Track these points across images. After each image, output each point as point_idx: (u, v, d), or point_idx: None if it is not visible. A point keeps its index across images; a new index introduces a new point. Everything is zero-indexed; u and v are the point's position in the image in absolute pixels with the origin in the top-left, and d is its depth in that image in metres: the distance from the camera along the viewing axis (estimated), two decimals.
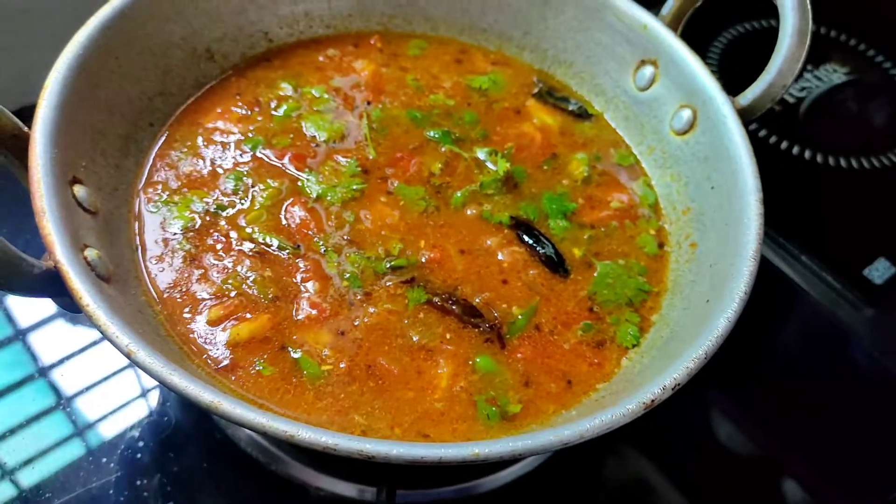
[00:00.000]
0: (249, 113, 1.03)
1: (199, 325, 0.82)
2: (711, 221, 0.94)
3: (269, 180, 0.95)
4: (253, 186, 0.94)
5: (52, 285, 0.69)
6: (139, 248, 0.87)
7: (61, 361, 0.99)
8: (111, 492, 0.88)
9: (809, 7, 0.93)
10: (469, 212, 0.96)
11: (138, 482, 0.89)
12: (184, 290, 0.84)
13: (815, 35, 0.95)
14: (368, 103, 1.06)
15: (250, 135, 1.00)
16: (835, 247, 1.22)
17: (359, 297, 0.86)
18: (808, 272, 1.19)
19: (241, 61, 1.09)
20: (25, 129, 0.77)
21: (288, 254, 0.89)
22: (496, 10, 1.15)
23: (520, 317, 0.88)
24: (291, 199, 0.94)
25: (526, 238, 0.95)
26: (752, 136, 0.94)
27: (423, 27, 1.17)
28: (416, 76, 1.11)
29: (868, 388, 1.10)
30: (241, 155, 0.98)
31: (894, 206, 1.29)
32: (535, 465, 0.97)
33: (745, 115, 0.95)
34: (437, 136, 1.03)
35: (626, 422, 0.67)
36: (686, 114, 1.00)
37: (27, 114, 0.78)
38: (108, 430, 0.94)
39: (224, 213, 0.92)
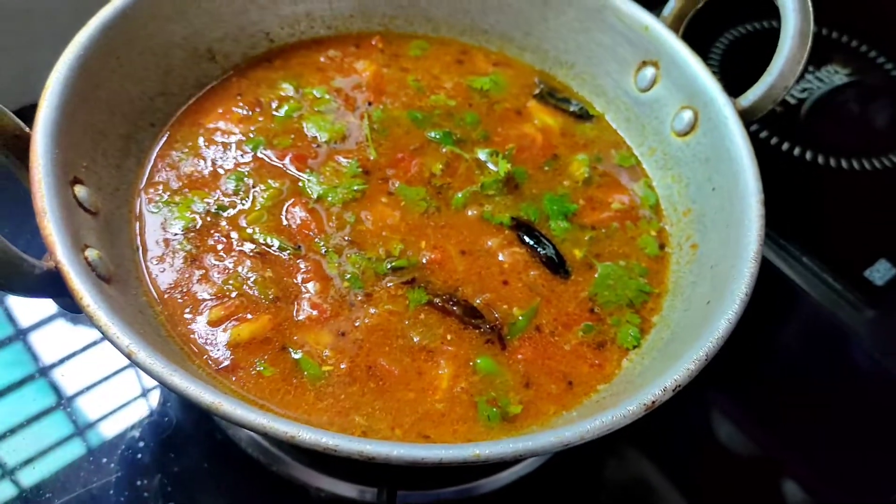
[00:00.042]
0: (250, 113, 1.03)
1: (200, 326, 0.82)
2: (712, 223, 0.93)
3: (269, 181, 0.95)
4: (254, 187, 0.94)
5: (52, 286, 0.69)
6: (140, 248, 0.87)
7: (62, 361, 0.99)
8: (111, 492, 0.88)
9: (811, 8, 0.93)
10: (470, 213, 0.96)
11: (139, 482, 0.89)
12: (184, 290, 0.84)
13: (816, 36, 0.95)
14: (369, 104, 1.06)
15: (251, 135, 1.00)
16: (836, 248, 1.22)
17: (359, 298, 0.86)
18: (809, 273, 1.19)
19: (242, 61, 1.09)
20: (27, 129, 0.77)
21: (289, 254, 0.89)
22: (497, 11, 1.15)
23: (520, 318, 0.88)
24: (292, 200, 0.94)
25: (527, 239, 0.95)
26: (754, 138, 0.94)
27: (424, 28, 1.17)
28: (417, 77, 1.11)
29: (868, 389, 1.10)
30: (242, 155, 0.98)
31: (895, 207, 1.29)
32: (536, 465, 0.97)
33: (746, 116, 0.95)
34: (438, 136, 1.03)
35: (626, 423, 0.67)
36: (687, 115, 1.00)
37: (28, 113, 0.78)
38: (109, 431, 0.94)
39: (225, 214, 0.92)
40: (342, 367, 0.81)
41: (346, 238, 0.91)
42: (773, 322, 1.15)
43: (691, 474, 1.01)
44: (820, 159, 1.32)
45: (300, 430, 0.62)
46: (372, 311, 0.86)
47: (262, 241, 0.89)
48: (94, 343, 1.00)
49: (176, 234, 0.89)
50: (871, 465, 1.02)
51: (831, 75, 1.47)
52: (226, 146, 0.98)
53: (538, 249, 0.94)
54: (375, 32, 1.16)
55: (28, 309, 1.03)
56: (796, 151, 1.33)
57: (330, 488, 0.92)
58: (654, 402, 0.69)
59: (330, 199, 0.94)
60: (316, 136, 1.01)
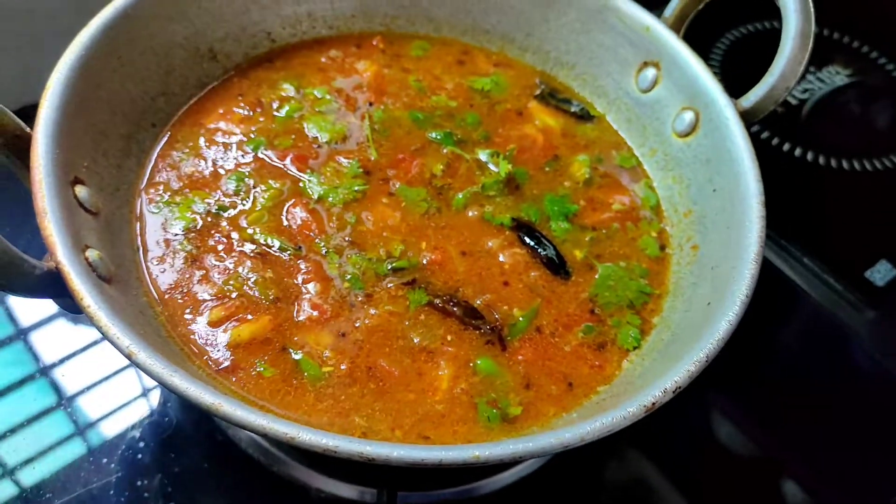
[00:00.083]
0: (251, 113, 1.03)
1: (200, 327, 0.82)
2: (713, 224, 0.93)
3: (270, 181, 0.95)
4: (254, 187, 0.94)
5: (53, 286, 0.69)
6: (140, 248, 0.87)
7: (62, 361, 0.99)
8: (111, 492, 0.88)
9: (812, 9, 0.93)
10: (470, 213, 0.96)
11: (139, 483, 0.89)
12: (185, 290, 0.85)
13: (817, 37, 0.95)
14: (370, 104, 1.06)
15: (252, 135, 1.00)
16: (836, 249, 1.22)
17: (360, 299, 0.86)
18: (810, 274, 1.19)
19: (243, 61, 1.09)
20: (27, 129, 0.77)
21: (289, 255, 0.89)
22: (499, 12, 1.15)
23: (521, 319, 0.88)
24: (293, 201, 0.94)
25: (527, 240, 0.95)
26: (755, 138, 0.94)
27: (425, 28, 1.17)
28: (418, 77, 1.11)
29: (869, 389, 1.10)
30: (242, 156, 0.98)
31: None
32: (537, 466, 0.97)
33: (747, 117, 0.95)
34: (438, 137, 1.03)
35: (626, 424, 0.67)
36: (688, 116, 1.00)
37: (29, 113, 0.78)
38: (109, 431, 0.94)
39: (225, 214, 0.92)
40: (342, 367, 0.81)
41: (347, 239, 0.91)
42: (773, 322, 1.15)
43: (692, 475, 1.01)
44: (821, 160, 1.32)
45: (300, 431, 0.62)
46: (372, 311, 0.86)
47: (262, 241, 0.89)
48: (95, 343, 1.00)
49: (176, 235, 0.89)
50: (871, 465, 1.02)
51: (832, 76, 1.47)
52: (227, 146, 0.98)
53: (539, 250, 0.94)
54: (377, 32, 1.16)
55: (29, 308, 1.03)
56: (797, 152, 1.33)
57: (330, 489, 0.91)
58: (654, 404, 0.69)
59: (331, 199, 0.94)
60: (317, 137, 1.01)
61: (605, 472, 1.00)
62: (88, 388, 0.97)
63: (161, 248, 0.88)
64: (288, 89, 1.06)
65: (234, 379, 0.79)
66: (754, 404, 1.07)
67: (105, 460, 0.91)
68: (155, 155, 0.96)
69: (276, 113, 1.03)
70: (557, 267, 0.93)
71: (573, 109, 1.12)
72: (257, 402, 0.78)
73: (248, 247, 0.89)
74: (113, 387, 0.98)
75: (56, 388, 0.97)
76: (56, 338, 1.01)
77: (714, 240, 0.92)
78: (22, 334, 1.01)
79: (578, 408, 0.82)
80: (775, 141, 1.34)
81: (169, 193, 0.93)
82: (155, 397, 0.98)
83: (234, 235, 0.90)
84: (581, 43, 1.12)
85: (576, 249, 0.96)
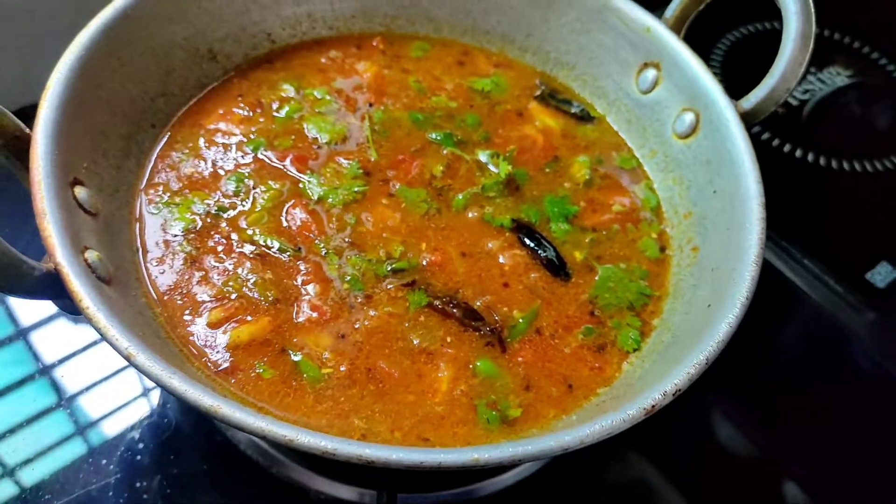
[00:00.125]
0: (251, 114, 1.03)
1: (200, 328, 0.82)
2: (713, 225, 0.93)
3: (270, 182, 0.95)
4: (254, 188, 0.94)
5: (52, 287, 0.68)
6: (140, 249, 0.87)
7: (62, 361, 0.99)
8: (110, 493, 0.88)
9: (813, 10, 0.92)
10: (470, 214, 0.96)
11: (138, 484, 0.89)
12: (184, 292, 0.84)
13: (818, 37, 0.95)
14: (370, 105, 1.06)
15: (252, 136, 1.00)
16: (837, 250, 1.22)
17: (359, 300, 0.86)
18: (811, 275, 1.18)
19: (243, 62, 1.08)
20: (27, 130, 0.77)
21: (289, 256, 0.89)
22: (499, 12, 1.15)
23: (521, 320, 0.88)
24: (293, 201, 0.94)
25: (527, 241, 0.94)
26: (755, 139, 0.94)
27: (425, 29, 1.17)
28: (418, 78, 1.11)
29: (869, 391, 1.10)
30: (242, 156, 0.98)
31: None
32: (537, 467, 0.97)
33: (747, 118, 0.95)
34: (438, 138, 1.03)
35: (626, 427, 0.67)
36: (689, 117, 1.00)
37: (29, 113, 0.78)
38: (108, 432, 0.94)
39: (225, 215, 0.91)
40: (342, 369, 0.81)
41: (347, 240, 0.91)
42: (774, 324, 1.15)
43: (692, 476, 1.00)
44: (822, 161, 1.32)
45: (298, 434, 0.62)
46: (372, 313, 0.85)
47: (262, 242, 0.89)
48: (95, 343, 1.00)
49: (176, 236, 0.89)
50: (871, 467, 1.02)
51: (833, 77, 1.47)
52: (226, 147, 0.98)
53: (539, 252, 0.94)
54: (377, 33, 1.16)
55: (29, 308, 1.03)
56: (798, 153, 1.33)
57: (330, 491, 0.91)
58: (653, 407, 0.69)
59: (330, 200, 0.94)
60: (317, 138, 1.01)
61: (605, 474, 1.00)
62: (88, 388, 0.97)
63: (160, 249, 0.88)
64: (288, 90, 1.06)
65: (233, 380, 0.79)
66: (755, 405, 1.07)
67: (104, 461, 0.91)
68: (154, 156, 0.96)
69: (275, 114, 1.03)
70: (557, 268, 0.93)
71: (573, 110, 1.12)
72: (256, 403, 0.78)
73: (248, 248, 0.89)
74: (112, 387, 0.97)
75: (56, 387, 0.96)
76: (56, 338, 1.01)
77: (714, 241, 0.92)
78: (22, 334, 1.01)
79: (578, 410, 0.82)
80: (776, 142, 1.34)
81: (168, 194, 0.92)
82: (154, 398, 0.97)
83: (234, 236, 0.90)
84: (581, 44, 1.12)
85: (576, 251, 0.95)
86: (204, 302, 0.84)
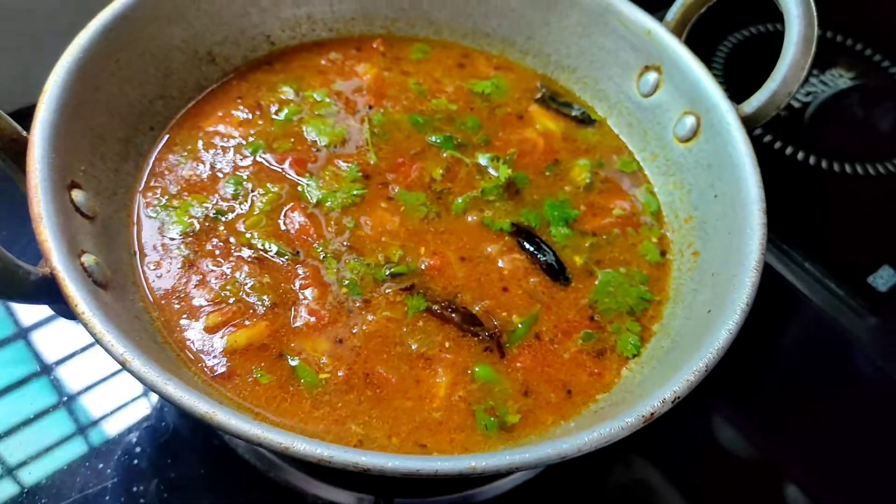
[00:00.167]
0: (250, 116, 1.02)
1: (197, 332, 0.82)
2: (714, 230, 0.93)
3: (269, 185, 0.95)
4: (253, 191, 0.94)
5: (48, 292, 0.68)
6: (137, 253, 0.87)
7: (63, 361, 0.99)
8: (107, 497, 0.88)
9: (815, 14, 0.92)
10: (470, 218, 0.96)
11: (135, 488, 0.89)
12: (182, 296, 0.84)
13: (821, 39, 0.95)
14: (370, 107, 1.06)
15: (251, 139, 0.99)
16: (839, 254, 1.21)
17: (357, 305, 0.86)
18: (812, 279, 1.18)
19: (242, 64, 1.08)
20: (24, 132, 0.77)
21: (287, 260, 0.88)
22: (499, 15, 1.14)
23: (520, 325, 0.87)
24: (291, 205, 0.93)
25: (527, 245, 0.94)
26: (757, 141, 0.94)
27: (426, 31, 1.17)
28: (418, 80, 1.11)
29: (871, 395, 1.10)
30: (241, 159, 0.97)
31: None
32: (536, 472, 0.96)
33: (749, 122, 0.94)
34: (438, 141, 1.03)
35: (624, 435, 0.67)
36: (690, 121, 1.00)
37: (29, 113, 0.78)
38: (106, 435, 0.93)
39: (223, 218, 0.91)
40: (339, 374, 0.81)
41: (345, 243, 0.91)
42: (775, 327, 1.15)
43: (693, 480, 1.00)
44: (823, 164, 1.32)
45: (294, 441, 0.61)
46: (370, 317, 0.85)
47: (260, 246, 0.89)
48: (95, 343, 0.99)
49: (174, 239, 0.89)
50: (873, 471, 1.02)
51: (836, 79, 1.46)
52: (225, 150, 0.98)
53: (538, 256, 0.93)
54: (377, 35, 1.16)
55: (29, 308, 1.03)
56: (800, 156, 1.32)
57: (327, 496, 0.91)
58: (652, 414, 0.68)
59: (329, 203, 0.94)
60: (316, 140, 1.01)
61: (605, 477, 1.00)
62: (88, 388, 0.97)
63: (158, 252, 0.87)
64: (287, 92, 1.06)
65: (229, 386, 0.78)
66: (756, 409, 1.07)
67: (101, 465, 0.91)
68: (153, 158, 0.96)
69: (274, 116, 1.03)
70: (557, 273, 0.92)
71: (574, 113, 1.11)
72: (253, 409, 0.77)
73: (246, 252, 0.88)
74: (111, 388, 0.98)
75: (56, 387, 0.96)
76: (57, 338, 1.01)
77: (715, 246, 0.91)
78: (23, 334, 1.01)
79: (577, 416, 0.81)
80: (778, 144, 1.33)
81: (166, 197, 0.92)
82: (153, 399, 0.97)
83: (232, 240, 0.89)
84: (582, 46, 1.11)
85: (576, 255, 0.95)
86: (201, 306, 0.83)
